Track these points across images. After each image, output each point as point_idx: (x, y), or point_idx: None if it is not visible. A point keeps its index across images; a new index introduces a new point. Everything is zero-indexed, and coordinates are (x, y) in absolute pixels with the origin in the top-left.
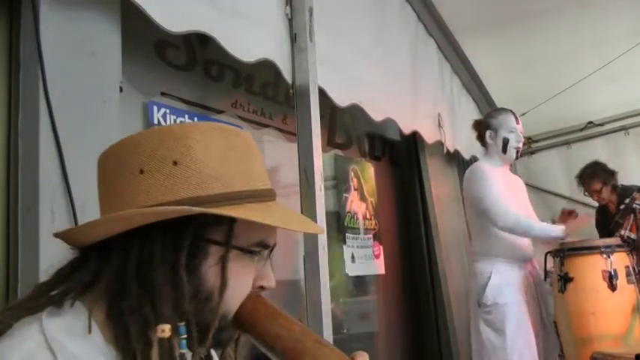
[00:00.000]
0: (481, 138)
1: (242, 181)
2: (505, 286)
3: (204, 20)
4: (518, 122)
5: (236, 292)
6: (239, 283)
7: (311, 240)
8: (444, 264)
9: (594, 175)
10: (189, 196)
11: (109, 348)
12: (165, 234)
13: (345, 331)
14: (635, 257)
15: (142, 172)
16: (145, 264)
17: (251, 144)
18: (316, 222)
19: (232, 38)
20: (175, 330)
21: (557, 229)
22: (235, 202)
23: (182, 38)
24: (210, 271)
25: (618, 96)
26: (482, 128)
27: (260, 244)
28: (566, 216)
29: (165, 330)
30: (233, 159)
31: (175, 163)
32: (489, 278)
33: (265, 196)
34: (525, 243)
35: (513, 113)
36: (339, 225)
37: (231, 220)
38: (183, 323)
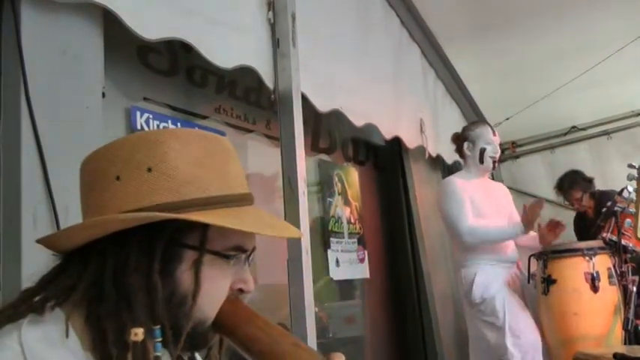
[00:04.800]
0: (460, 151)
1: (218, 186)
2: (490, 282)
3: (182, 27)
4: (495, 135)
5: (211, 297)
6: (214, 287)
7: (294, 244)
8: (428, 267)
9: (574, 184)
10: (164, 201)
11: (86, 354)
12: (140, 240)
13: (330, 335)
14: (616, 259)
15: (118, 178)
16: (121, 269)
17: (229, 149)
18: (299, 227)
19: (211, 45)
20: (150, 333)
21: (515, 228)
22: (210, 207)
23: (165, 44)
24: (184, 275)
25: (601, 101)
26: (460, 140)
27: (236, 249)
28: (553, 226)
29: (137, 333)
30: (209, 164)
31: (150, 169)
32: (474, 279)
33: (242, 200)
34: (509, 246)
35: (491, 126)
36: (324, 229)
37: (205, 225)
38: (158, 327)
